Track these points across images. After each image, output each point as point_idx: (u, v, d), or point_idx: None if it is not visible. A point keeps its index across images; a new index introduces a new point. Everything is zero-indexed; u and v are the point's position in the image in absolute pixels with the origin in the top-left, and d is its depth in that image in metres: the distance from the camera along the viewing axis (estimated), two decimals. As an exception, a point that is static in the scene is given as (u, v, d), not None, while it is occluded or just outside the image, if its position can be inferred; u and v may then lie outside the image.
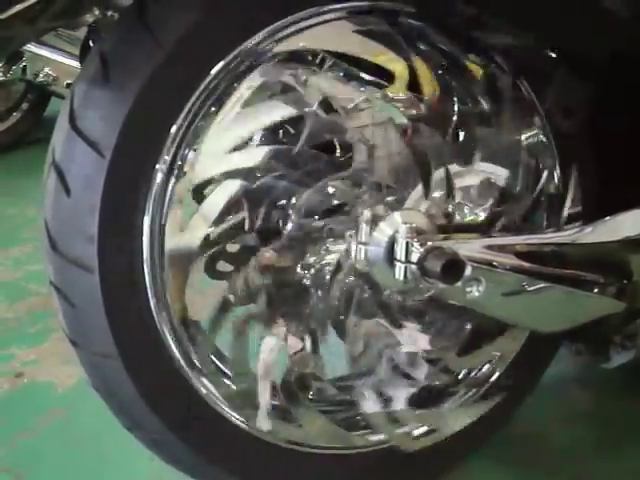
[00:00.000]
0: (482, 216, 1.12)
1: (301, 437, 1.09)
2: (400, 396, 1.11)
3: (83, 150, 0.89)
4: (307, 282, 1.06)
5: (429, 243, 0.96)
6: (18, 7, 0.81)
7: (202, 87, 0.92)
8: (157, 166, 0.91)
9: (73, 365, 1.00)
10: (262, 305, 1.18)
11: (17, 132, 3.18)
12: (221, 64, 0.92)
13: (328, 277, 1.05)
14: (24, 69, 2.92)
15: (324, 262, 1.05)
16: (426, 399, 1.16)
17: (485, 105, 1.11)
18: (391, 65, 1.05)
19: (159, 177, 0.91)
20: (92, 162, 0.89)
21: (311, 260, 1.05)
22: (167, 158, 0.91)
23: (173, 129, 0.91)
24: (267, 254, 1.04)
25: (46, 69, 2.88)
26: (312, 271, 1.06)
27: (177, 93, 0.91)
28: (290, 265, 1.07)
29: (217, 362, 1.04)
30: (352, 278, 1.05)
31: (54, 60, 2.86)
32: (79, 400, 1.48)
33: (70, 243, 0.91)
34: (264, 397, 1.04)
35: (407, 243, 0.97)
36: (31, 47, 2.81)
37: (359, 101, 1.03)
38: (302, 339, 1.08)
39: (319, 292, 1.06)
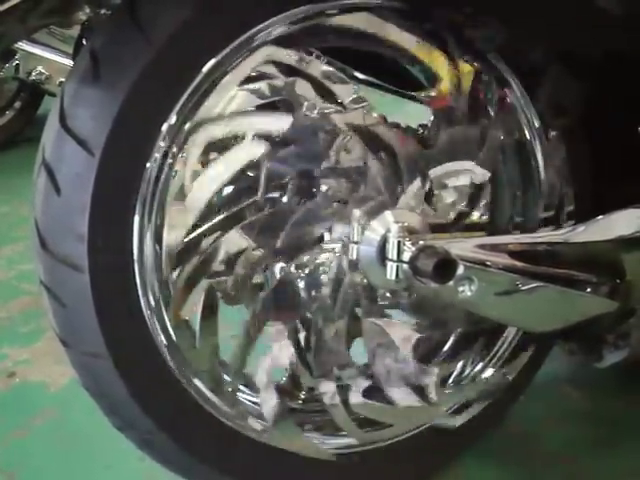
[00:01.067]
0: (475, 215, 1.12)
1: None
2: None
3: (73, 149, 0.89)
4: (300, 281, 1.06)
5: (421, 242, 0.96)
6: (7, 4, 0.80)
7: (193, 85, 0.91)
8: (148, 165, 0.91)
9: (65, 365, 0.99)
10: (255, 304, 1.19)
11: (10, 131, 3.17)
12: (213, 62, 0.92)
13: (321, 277, 1.05)
14: (17, 67, 2.90)
15: (317, 262, 1.05)
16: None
17: (477, 105, 1.11)
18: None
19: (150, 176, 0.91)
20: (82, 161, 0.89)
21: (304, 259, 1.05)
22: (158, 156, 0.91)
23: (164, 127, 0.91)
24: (259, 253, 1.04)
25: (39, 67, 2.87)
26: (305, 270, 1.05)
27: (168, 91, 0.91)
28: (283, 264, 1.06)
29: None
30: (345, 277, 1.05)
31: (47, 58, 2.84)
32: (71, 400, 1.48)
33: (60, 242, 0.91)
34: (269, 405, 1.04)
35: (399, 242, 0.96)
36: (24, 45, 2.80)
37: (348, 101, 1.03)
38: (295, 338, 1.08)
39: (312, 292, 1.06)
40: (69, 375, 1.49)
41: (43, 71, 2.89)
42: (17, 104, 3.18)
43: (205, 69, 0.91)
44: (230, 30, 0.92)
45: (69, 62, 2.75)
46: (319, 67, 1.01)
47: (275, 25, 0.94)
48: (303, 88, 1.01)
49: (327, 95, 1.03)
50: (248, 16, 0.93)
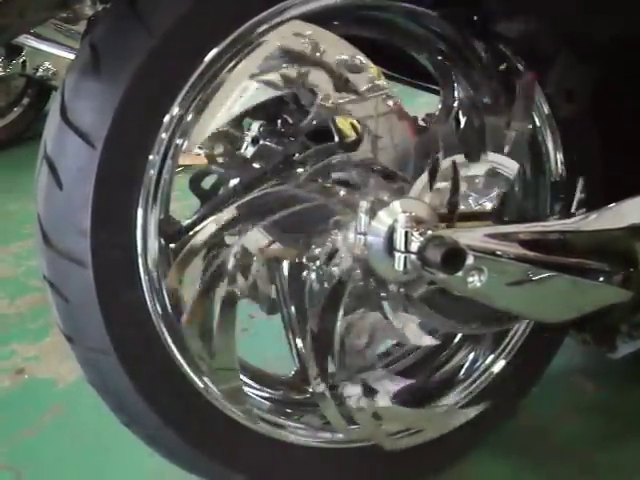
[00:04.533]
0: (486, 205, 1.10)
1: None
2: (387, 392, 1.08)
3: (74, 142, 0.88)
4: (309, 273, 1.05)
5: (429, 232, 0.94)
6: (3, -4, 0.79)
7: (195, 75, 0.90)
8: (150, 157, 0.89)
9: (74, 361, 0.99)
10: (263, 299, 1.18)
11: (18, 127, 3.18)
12: (215, 51, 0.90)
13: (329, 269, 1.03)
14: (24, 64, 2.91)
15: (326, 253, 1.03)
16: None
17: (488, 93, 1.09)
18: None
19: (152, 168, 0.90)
20: (84, 154, 0.88)
21: (315, 252, 1.03)
22: (160, 149, 0.90)
23: (166, 119, 0.89)
24: (268, 246, 1.02)
25: (46, 64, 2.88)
26: (315, 263, 1.04)
27: (169, 82, 0.89)
28: (292, 257, 1.05)
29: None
30: (354, 269, 1.03)
31: (54, 54, 2.84)
32: (80, 396, 1.47)
33: (63, 237, 0.90)
34: None
35: (406, 232, 0.94)
36: (30, 42, 2.80)
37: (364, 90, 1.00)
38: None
39: (320, 284, 1.04)
40: (77, 371, 1.47)
41: (50, 67, 2.89)
42: (25, 100, 3.19)
43: (207, 59, 0.90)
44: (232, 19, 0.91)
45: (76, 58, 2.75)
46: (334, 55, 0.98)
47: (277, 14, 0.92)
48: (317, 78, 0.98)
49: (343, 84, 1.01)
50: (250, 4, 0.91)
